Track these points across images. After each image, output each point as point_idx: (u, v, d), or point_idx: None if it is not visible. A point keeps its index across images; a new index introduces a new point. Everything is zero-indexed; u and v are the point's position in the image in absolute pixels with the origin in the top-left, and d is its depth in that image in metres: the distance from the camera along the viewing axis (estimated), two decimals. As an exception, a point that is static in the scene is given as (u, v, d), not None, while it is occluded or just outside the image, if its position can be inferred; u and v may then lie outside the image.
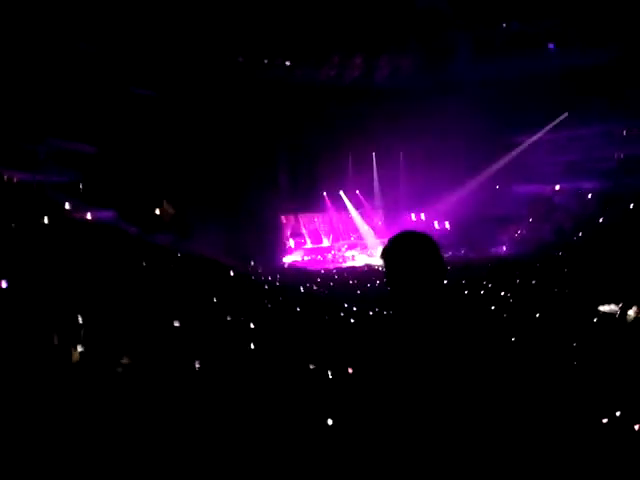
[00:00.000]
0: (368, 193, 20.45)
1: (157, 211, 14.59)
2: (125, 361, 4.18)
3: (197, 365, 3.94)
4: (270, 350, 4.77)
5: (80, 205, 10.96)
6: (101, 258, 7.91)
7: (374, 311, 7.22)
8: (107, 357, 4.32)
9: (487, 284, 9.35)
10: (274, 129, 17.40)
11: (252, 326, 5.46)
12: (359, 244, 19.64)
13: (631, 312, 5.00)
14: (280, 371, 4.19)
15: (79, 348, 4.41)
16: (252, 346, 4.75)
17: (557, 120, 17.72)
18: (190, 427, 3.39)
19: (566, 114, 17.35)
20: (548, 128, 18.03)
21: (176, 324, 4.81)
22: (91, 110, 11.72)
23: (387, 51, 15.91)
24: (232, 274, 11.79)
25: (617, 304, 5.49)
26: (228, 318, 5.65)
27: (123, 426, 3.38)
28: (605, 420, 3.16)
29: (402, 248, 1.90)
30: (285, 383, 3.96)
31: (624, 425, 3.12)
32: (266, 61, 15.23)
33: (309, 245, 19.93)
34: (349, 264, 17.78)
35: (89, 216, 11.08)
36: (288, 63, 15.47)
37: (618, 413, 3.23)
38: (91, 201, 11.33)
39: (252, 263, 15.64)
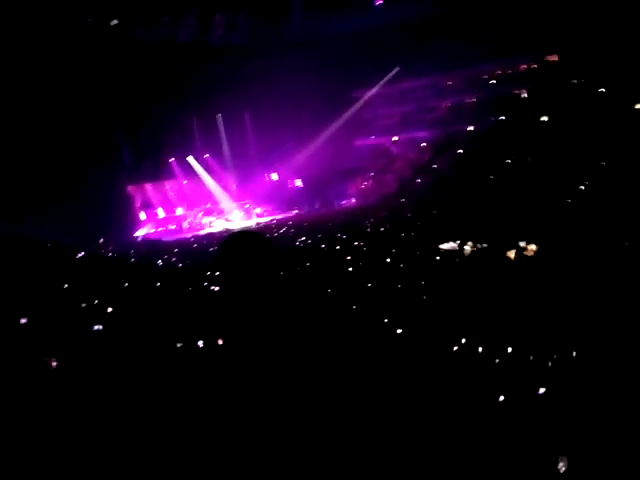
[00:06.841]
0: (218, 156, 20.00)
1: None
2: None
3: (53, 364, 3.63)
4: (134, 331, 4.57)
5: None
6: None
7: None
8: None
9: (341, 236, 9.80)
10: (108, 96, 16.18)
11: (109, 310, 5.16)
12: (215, 210, 19.27)
13: (467, 247, 5.61)
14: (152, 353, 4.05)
15: None
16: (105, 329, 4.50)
17: (390, 74, 18.71)
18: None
19: (398, 68, 18.38)
20: (382, 82, 18.98)
21: (23, 321, 4.36)
22: None
23: (221, 9, 15.46)
24: (78, 256, 10.92)
25: (455, 241, 6.12)
26: (82, 305, 5.27)
27: None
28: (455, 348, 3.56)
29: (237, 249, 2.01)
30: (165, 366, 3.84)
31: (473, 354, 3.55)
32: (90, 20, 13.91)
33: (162, 215, 19.11)
34: (207, 231, 17.42)
35: None
36: (115, 22, 14.28)
37: (464, 340, 3.65)
38: None
39: (100, 241, 14.64)
